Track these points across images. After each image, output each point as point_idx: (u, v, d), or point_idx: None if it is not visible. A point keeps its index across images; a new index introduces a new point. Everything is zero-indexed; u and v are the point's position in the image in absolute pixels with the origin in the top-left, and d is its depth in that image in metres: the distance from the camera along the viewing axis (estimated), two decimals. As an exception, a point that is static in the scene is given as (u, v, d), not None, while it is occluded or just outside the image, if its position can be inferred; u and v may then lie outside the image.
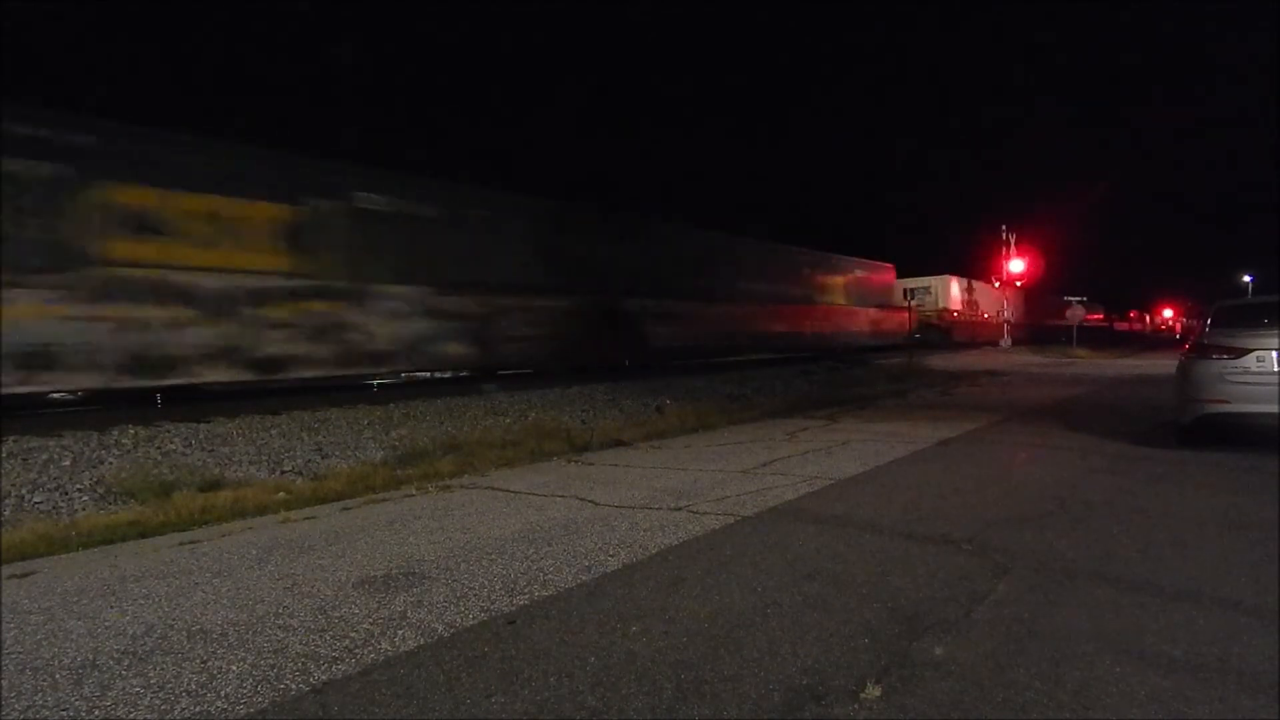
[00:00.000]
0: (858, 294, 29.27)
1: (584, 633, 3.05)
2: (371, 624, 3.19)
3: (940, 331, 36.53)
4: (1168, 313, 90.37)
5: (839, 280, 28.13)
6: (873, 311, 30.13)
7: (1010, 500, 5.33)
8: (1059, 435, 8.67)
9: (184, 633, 3.13)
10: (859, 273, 29.84)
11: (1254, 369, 7.01)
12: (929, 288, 38.02)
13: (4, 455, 6.94)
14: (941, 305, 37.17)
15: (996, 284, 41.72)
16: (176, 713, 2.47)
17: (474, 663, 2.79)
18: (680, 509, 5.16)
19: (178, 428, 8.75)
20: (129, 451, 7.50)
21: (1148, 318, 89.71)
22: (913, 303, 35.57)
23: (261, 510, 5.35)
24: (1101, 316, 59.97)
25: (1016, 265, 41.04)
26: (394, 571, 3.90)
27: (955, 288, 38.59)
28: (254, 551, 4.33)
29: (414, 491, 5.92)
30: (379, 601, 3.46)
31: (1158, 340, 59.03)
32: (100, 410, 10.41)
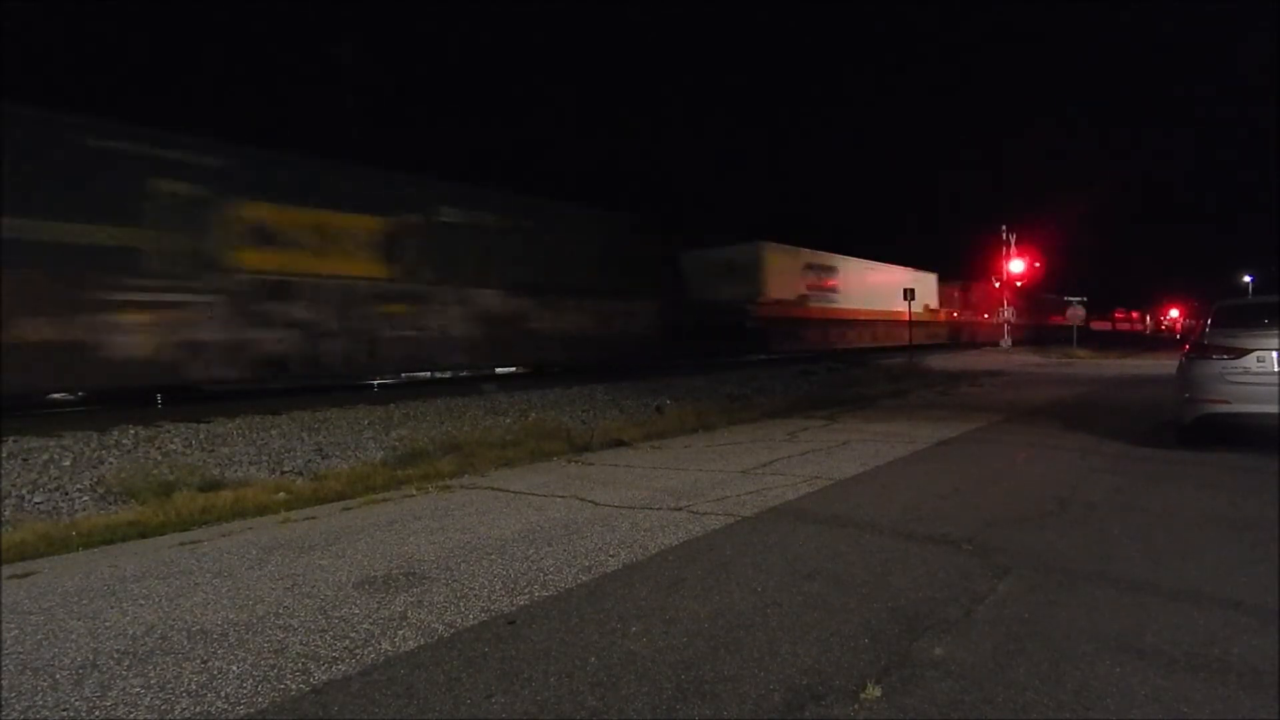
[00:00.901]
0: (484, 267, 15.76)
1: (584, 633, 3.05)
2: (372, 624, 3.19)
3: (749, 335, 24.06)
4: (1174, 313, 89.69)
5: (408, 229, 14.32)
6: (568, 301, 17.74)
7: (1010, 500, 5.33)
8: (1059, 435, 8.67)
9: (184, 633, 3.13)
10: (494, 218, 16.12)
11: (1254, 369, 7.01)
12: (732, 263, 24.33)
13: (4, 455, 6.94)
14: (755, 292, 24.51)
15: (996, 283, 40.74)
16: (176, 713, 2.46)
17: (474, 663, 2.79)
18: (680, 509, 5.16)
19: (178, 428, 8.75)
20: (129, 451, 7.49)
21: (1149, 318, 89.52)
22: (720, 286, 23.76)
23: (262, 510, 5.35)
24: None
25: (1016, 265, 39.79)
26: (394, 571, 3.90)
27: (779, 263, 25.48)
28: (254, 551, 4.33)
29: (414, 491, 5.92)
30: (379, 601, 3.46)
31: (1157, 341, 59.00)
32: (100, 410, 10.42)
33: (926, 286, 35.94)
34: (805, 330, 27.23)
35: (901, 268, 34.54)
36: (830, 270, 29.20)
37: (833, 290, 29.32)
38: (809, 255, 27.97)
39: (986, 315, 41.54)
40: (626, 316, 19.38)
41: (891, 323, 32.91)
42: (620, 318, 19.17)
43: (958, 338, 39.14)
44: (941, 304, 38.32)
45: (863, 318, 31.69)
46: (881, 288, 32.52)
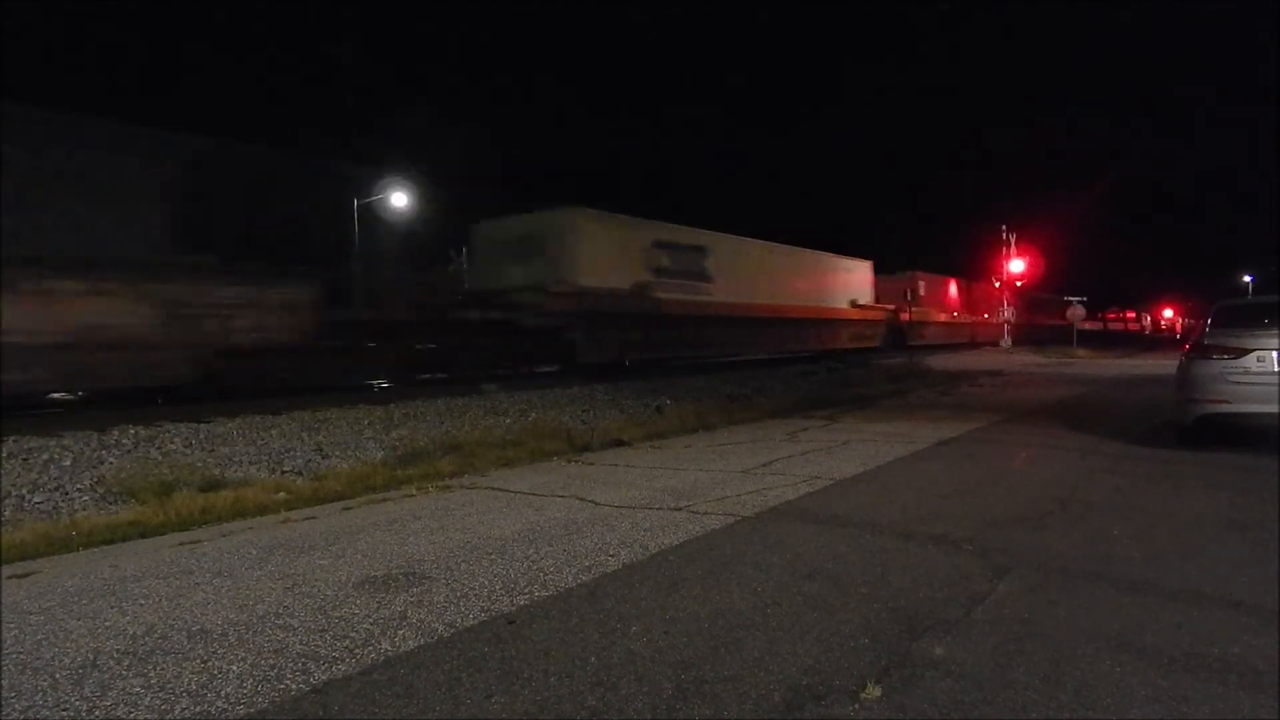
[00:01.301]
0: None
1: (584, 633, 3.05)
2: (372, 624, 3.19)
3: (531, 337, 17.53)
4: (1168, 313, 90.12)
5: None
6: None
7: (1010, 500, 5.33)
8: (1059, 435, 8.67)
9: (184, 633, 3.13)
10: None
11: (1254, 369, 7.01)
12: (529, 238, 18.33)
13: (4, 455, 6.94)
14: (551, 277, 17.71)
15: (996, 284, 40.62)
16: (176, 713, 2.46)
17: (474, 663, 2.79)
18: (680, 509, 5.16)
19: (178, 428, 8.76)
20: (129, 451, 7.49)
21: (1147, 317, 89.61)
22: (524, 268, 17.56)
23: (262, 510, 5.35)
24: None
25: (1016, 265, 39.62)
26: (394, 571, 3.90)
27: (603, 238, 18.77)
28: (254, 551, 4.33)
29: (414, 491, 5.92)
30: (379, 601, 3.46)
31: (1156, 341, 58.99)
32: (100, 410, 10.42)
33: (855, 279, 29.13)
34: (648, 330, 19.69)
35: (815, 252, 27.57)
36: (697, 252, 21.46)
37: (702, 279, 21.61)
38: (657, 230, 20.26)
39: (986, 315, 41.52)
40: (239, 311, 11.91)
41: (801, 322, 25.97)
42: (220, 314, 11.77)
43: (901, 341, 30.78)
44: (887, 299, 31.56)
45: (759, 315, 23.67)
46: (786, 277, 25.38)
